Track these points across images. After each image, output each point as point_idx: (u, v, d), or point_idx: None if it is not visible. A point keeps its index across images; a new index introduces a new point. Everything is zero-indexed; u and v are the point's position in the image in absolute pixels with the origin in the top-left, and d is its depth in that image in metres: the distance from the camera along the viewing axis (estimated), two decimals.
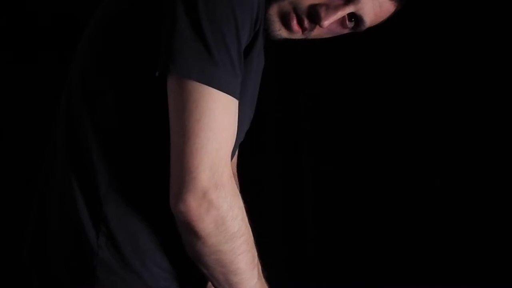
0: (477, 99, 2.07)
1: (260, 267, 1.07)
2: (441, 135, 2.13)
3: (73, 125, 1.04)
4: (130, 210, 1.01)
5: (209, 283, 1.10)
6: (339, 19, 1.09)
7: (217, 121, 0.92)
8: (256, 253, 1.04)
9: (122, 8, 1.03)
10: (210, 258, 0.99)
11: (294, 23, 1.08)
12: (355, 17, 1.11)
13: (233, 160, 1.21)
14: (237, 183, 1.24)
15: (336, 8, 1.07)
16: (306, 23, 1.08)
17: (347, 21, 1.11)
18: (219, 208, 0.94)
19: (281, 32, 1.10)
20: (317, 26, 1.08)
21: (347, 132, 2.24)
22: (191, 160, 0.92)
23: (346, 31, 1.15)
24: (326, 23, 1.07)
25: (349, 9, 1.08)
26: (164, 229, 1.01)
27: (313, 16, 1.07)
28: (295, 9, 1.07)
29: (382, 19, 1.14)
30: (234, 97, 0.94)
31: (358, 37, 1.19)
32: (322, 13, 1.06)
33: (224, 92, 0.93)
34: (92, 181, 1.01)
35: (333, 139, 2.24)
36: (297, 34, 1.10)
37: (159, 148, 0.97)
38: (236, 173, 1.31)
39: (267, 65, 1.12)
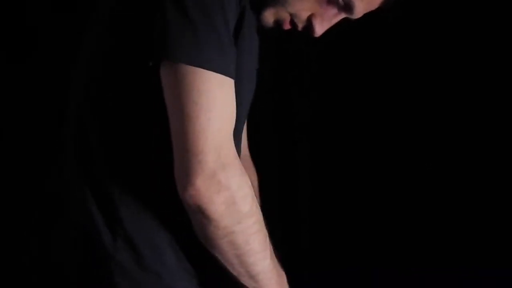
0: (477, 101, 2.10)
1: (271, 247, 1.05)
2: (434, 132, 2.17)
3: (82, 129, 1.03)
4: (146, 210, 1.00)
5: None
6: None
7: (215, 101, 0.91)
8: (267, 234, 1.02)
9: (115, 8, 1.02)
10: (223, 241, 0.96)
11: (287, 24, 1.08)
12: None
13: (243, 143, 1.19)
14: (254, 164, 1.26)
15: (330, 19, 1.08)
16: (299, 28, 1.09)
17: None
18: (229, 188, 0.92)
19: (272, 27, 1.10)
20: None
21: (345, 129, 2.26)
22: (195, 142, 0.90)
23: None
24: (319, 32, 1.09)
25: (341, 16, 1.09)
26: (180, 227, 1.00)
27: (308, 27, 1.08)
28: (292, 17, 1.08)
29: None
30: (228, 76, 0.93)
31: (359, 36, 1.17)
32: (316, 26, 1.07)
33: (217, 72, 0.92)
34: (104, 185, 1.00)
35: (330, 135, 2.26)
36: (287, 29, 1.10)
37: (169, 144, 0.95)
38: (249, 154, 1.31)
39: (267, 63, 1.13)
